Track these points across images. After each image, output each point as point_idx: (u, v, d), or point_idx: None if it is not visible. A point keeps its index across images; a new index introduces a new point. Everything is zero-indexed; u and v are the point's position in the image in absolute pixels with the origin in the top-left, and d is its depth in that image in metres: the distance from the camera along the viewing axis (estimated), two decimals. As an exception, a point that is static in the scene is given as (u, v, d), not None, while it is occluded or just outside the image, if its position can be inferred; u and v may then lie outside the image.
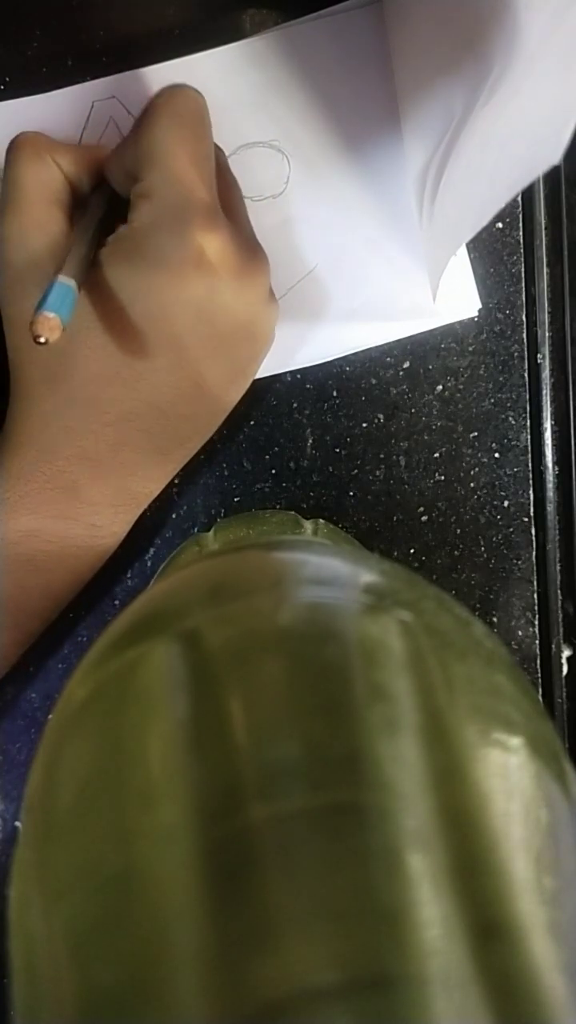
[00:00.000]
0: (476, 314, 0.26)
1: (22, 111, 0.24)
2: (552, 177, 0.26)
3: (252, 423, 0.26)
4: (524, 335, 0.27)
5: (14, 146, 0.21)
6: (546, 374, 0.27)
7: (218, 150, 0.22)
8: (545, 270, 0.27)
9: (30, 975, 0.13)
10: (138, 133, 0.20)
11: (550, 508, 0.27)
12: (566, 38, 0.15)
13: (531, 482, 0.27)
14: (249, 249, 0.21)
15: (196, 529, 0.26)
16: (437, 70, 0.21)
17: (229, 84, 0.24)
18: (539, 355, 0.27)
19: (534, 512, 0.27)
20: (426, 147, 0.23)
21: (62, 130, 0.24)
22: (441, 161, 0.22)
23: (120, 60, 0.24)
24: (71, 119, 0.24)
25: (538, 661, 0.27)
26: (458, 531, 0.27)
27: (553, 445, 0.27)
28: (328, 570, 0.17)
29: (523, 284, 0.26)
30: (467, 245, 0.26)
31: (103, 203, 0.21)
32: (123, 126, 0.24)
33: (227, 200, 0.21)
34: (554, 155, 0.15)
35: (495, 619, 0.27)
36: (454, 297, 0.26)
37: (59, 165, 0.21)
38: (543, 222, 0.26)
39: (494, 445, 0.27)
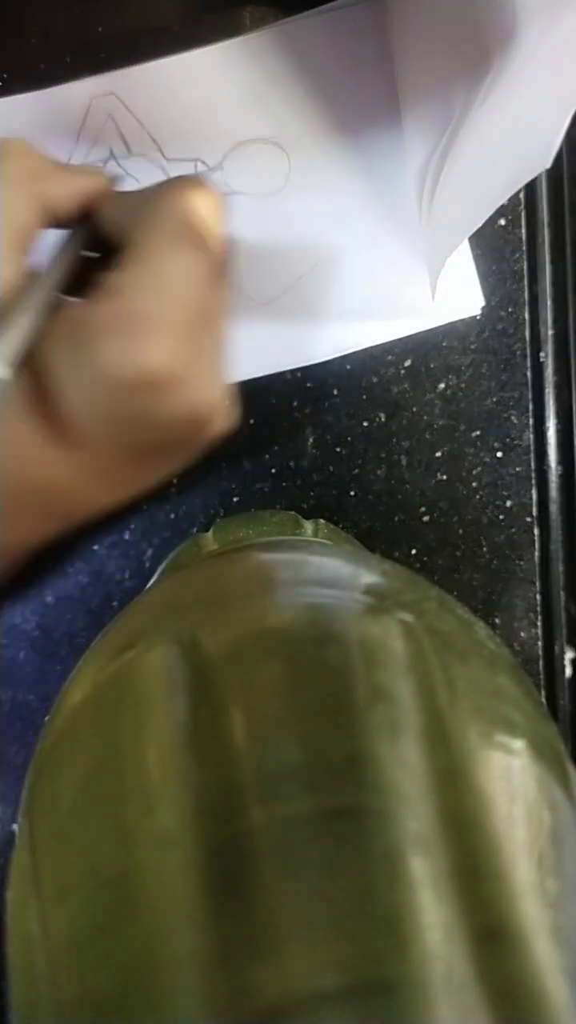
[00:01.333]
0: (479, 312, 0.26)
1: (20, 108, 0.24)
2: (555, 174, 0.26)
3: (252, 422, 0.26)
4: (527, 333, 0.26)
5: (2, 155, 0.18)
6: (549, 372, 0.27)
7: (229, 238, 0.19)
8: (548, 268, 0.26)
9: (28, 978, 0.13)
10: (144, 211, 0.18)
11: (553, 508, 0.27)
12: (558, 40, 0.15)
13: (534, 482, 0.27)
14: (208, 367, 0.18)
15: (195, 530, 0.26)
16: (438, 66, 0.21)
17: (229, 80, 0.24)
18: (542, 353, 0.26)
19: (537, 512, 0.27)
20: (426, 144, 0.23)
21: (60, 126, 0.24)
22: (440, 158, 0.22)
23: (118, 56, 0.24)
24: (69, 115, 0.24)
25: (541, 663, 0.27)
26: (460, 531, 0.27)
27: (556, 444, 0.27)
28: (328, 571, 0.17)
29: (526, 282, 0.26)
30: (469, 242, 0.26)
31: (71, 254, 0.18)
32: (121, 122, 0.24)
33: (211, 308, 0.19)
34: (545, 159, 0.14)
35: (497, 621, 0.27)
36: (457, 294, 0.26)
37: (46, 195, 0.18)
38: (546, 219, 0.26)
39: (496, 444, 0.27)
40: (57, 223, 0.18)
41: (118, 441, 0.17)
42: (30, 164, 0.17)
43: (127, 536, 0.25)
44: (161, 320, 0.17)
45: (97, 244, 0.19)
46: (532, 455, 0.27)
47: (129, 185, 0.24)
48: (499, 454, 0.27)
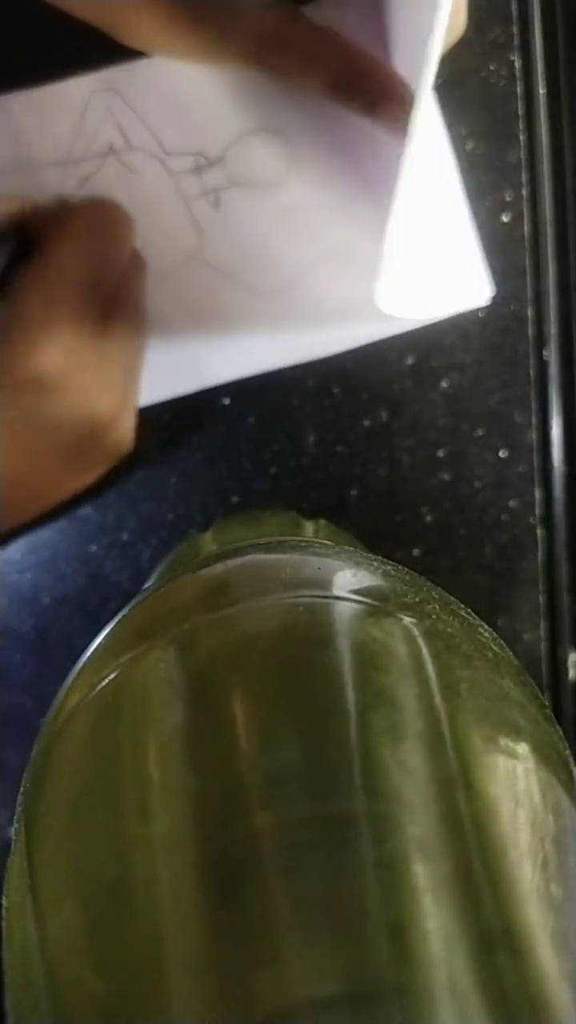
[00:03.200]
0: (488, 301, 0.26)
1: (19, 104, 0.24)
2: (558, 170, 0.26)
3: (252, 421, 0.26)
4: (530, 331, 0.26)
5: None
6: (553, 370, 0.26)
7: (135, 258, 0.22)
8: (551, 265, 0.26)
9: (25, 983, 0.13)
10: (52, 224, 0.20)
11: (558, 508, 0.27)
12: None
13: (538, 481, 0.27)
14: (106, 377, 0.20)
15: (194, 530, 0.26)
16: (432, 56, 0.21)
17: (228, 73, 0.24)
18: (545, 351, 0.26)
19: (541, 512, 0.27)
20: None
21: (60, 122, 0.24)
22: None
23: (118, 52, 0.24)
24: (69, 111, 0.24)
25: (545, 665, 0.27)
26: (463, 532, 0.27)
27: (561, 444, 0.27)
28: (329, 572, 0.17)
29: (529, 279, 0.26)
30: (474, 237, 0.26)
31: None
32: (120, 117, 0.24)
33: (117, 307, 0.21)
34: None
35: (501, 623, 0.27)
36: (464, 284, 0.25)
37: None
38: (549, 216, 0.26)
39: (500, 443, 0.26)
40: None
41: (19, 444, 0.19)
42: None
43: (125, 537, 0.25)
44: (50, 322, 0.18)
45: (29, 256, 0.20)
46: (536, 454, 0.27)
47: (130, 181, 0.24)
48: (503, 453, 0.27)
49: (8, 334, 0.18)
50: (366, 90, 0.22)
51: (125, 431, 0.21)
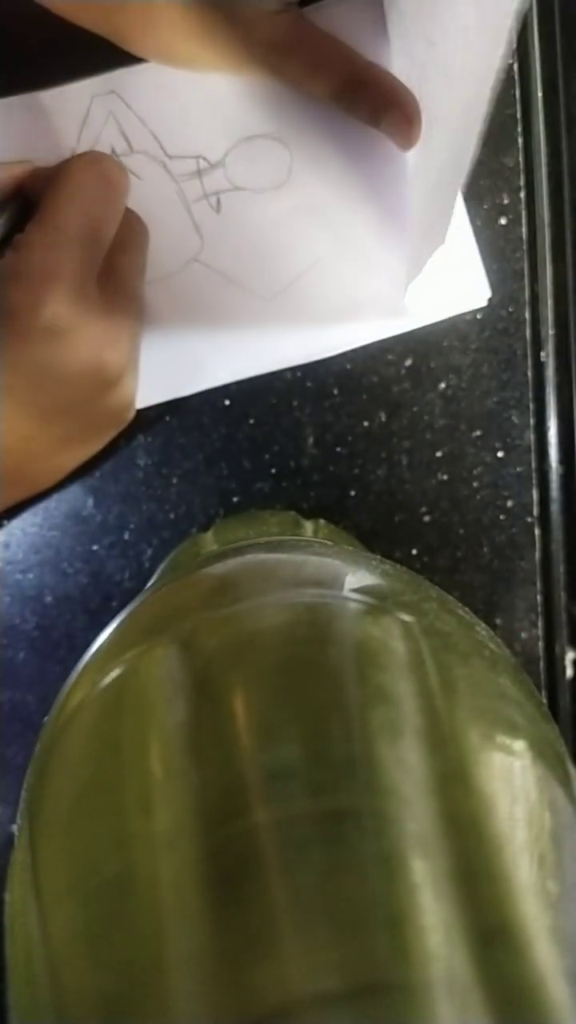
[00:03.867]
0: (486, 303, 0.26)
1: (22, 107, 0.24)
2: (554, 173, 0.26)
3: (252, 422, 0.26)
4: (527, 332, 0.26)
5: None
6: (550, 372, 0.27)
7: (135, 218, 0.22)
8: (549, 267, 0.26)
9: (28, 979, 0.13)
10: (51, 181, 0.20)
11: (554, 508, 0.27)
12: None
13: (535, 482, 0.27)
14: (113, 328, 0.21)
15: (195, 530, 0.26)
16: (432, 60, 0.21)
17: (229, 76, 0.24)
18: (543, 353, 0.26)
19: (538, 512, 0.27)
20: (424, 139, 0.23)
21: (62, 125, 0.24)
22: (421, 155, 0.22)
23: (119, 55, 0.24)
24: (71, 114, 0.24)
25: (542, 663, 0.27)
26: (461, 531, 0.27)
27: (557, 444, 0.27)
28: (328, 571, 0.17)
29: (527, 281, 0.26)
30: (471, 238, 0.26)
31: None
32: (122, 121, 0.24)
33: (118, 267, 0.21)
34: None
35: (498, 621, 0.27)
36: (463, 286, 0.25)
37: None
38: (546, 218, 0.26)
39: (497, 444, 0.27)
40: None
41: (28, 396, 0.19)
42: None
43: (127, 536, 0.25)
44: (56, 272, 0.19)
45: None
46: (533, 455, 0.27)
47: (133, 184, 0.24)
48: (500, 454, 0.27)
49: (16, 288, 0.19)
50: (371, 98, 0.22)
51: (129, 391, 0.22)
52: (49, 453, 0.22)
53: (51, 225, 0.19)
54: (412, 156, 0.24)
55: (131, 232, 0.22)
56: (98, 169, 0.20)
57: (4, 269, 0.19)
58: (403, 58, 0.23)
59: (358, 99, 0.23)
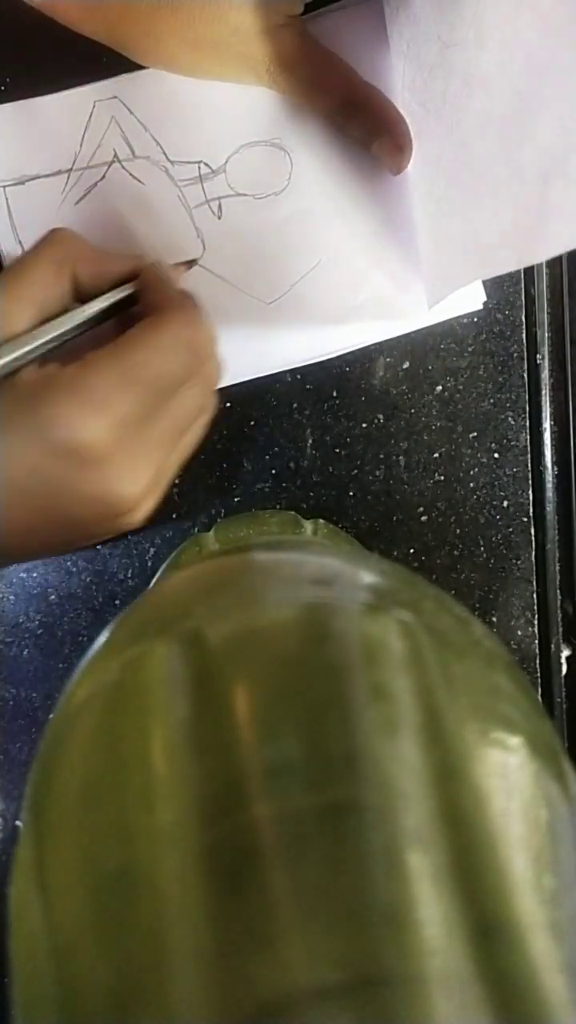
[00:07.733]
0: (481, 307, 0.26)
1: (25, 112, 0.24)
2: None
3: (252, 423, 0.26)
4: (523, 336, 0.27)
5: (44, 241, 0.20)
6: (545, 374, 0.27)
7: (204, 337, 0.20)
8: (544, 271, 0.27)
9: (31, 973, 0.13)
10: (154, 310, 0.19)
11: (549, 508, 0.27)
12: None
13: (530, 482, 0.27)
14: (142, 466, 0.19)
15: (196, 529, 0.26)
16: (435, 65, 0.21)
17: (231, 83, 0.24)
18: (538, 355, 0.27)
19: (533, 512, 0.27)
20: (425, 146, 0.23)
21: (64, 130, 0.24)
22: (439, 169, 0.22)
23: (121, 61, 0.24)
24: (73, 119, 0.24)
25: (537, 661, 0.27)
26: (457, 531, 0.27)
27: (552, 445, 0.27)
28: (328, 570, 0.17)
29: (522, 285, 0.27)
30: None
31: (94, 313, 0.20)
32: (124, 125, 0.24)
33: (181, 403, 0.20)
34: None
35: (494, 619, 0.27)
36: (459, 291, 0.26)
37: (75, 276, 0.20)
38: (543, 223, 0.26)
39: (493, 445, 0.27)
40: (89, 297, 0.20)
41: (33, 502, 0.18)
42: (66, 250, 0.20)
43: (129, 536, 0.25)
44: (112, 404, 0.17)
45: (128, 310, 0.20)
46: (528, 456, 0.27)
47: (135, 188, 0.24)
48: (496, 455, 0.27)
49: (68, 401, 0.17)
50: (363, 122, 0.23)
51: (139, 517, 0.20)
52: (31, 544, 0.20)
53: (129, 360, 0.18)
54: (413, 170, 0.24)
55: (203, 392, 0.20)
56: (196, 335, 0.19)
57: (64, 378, 0.17)
58: (407, 61, 0.23)
59: (352, 121, 0.23)
